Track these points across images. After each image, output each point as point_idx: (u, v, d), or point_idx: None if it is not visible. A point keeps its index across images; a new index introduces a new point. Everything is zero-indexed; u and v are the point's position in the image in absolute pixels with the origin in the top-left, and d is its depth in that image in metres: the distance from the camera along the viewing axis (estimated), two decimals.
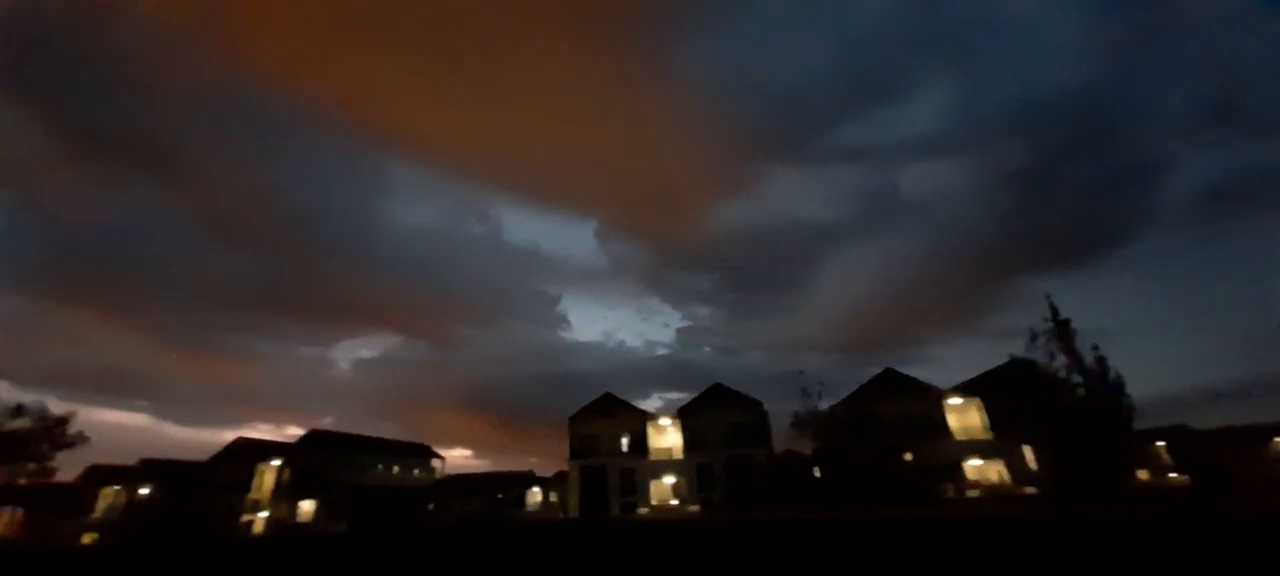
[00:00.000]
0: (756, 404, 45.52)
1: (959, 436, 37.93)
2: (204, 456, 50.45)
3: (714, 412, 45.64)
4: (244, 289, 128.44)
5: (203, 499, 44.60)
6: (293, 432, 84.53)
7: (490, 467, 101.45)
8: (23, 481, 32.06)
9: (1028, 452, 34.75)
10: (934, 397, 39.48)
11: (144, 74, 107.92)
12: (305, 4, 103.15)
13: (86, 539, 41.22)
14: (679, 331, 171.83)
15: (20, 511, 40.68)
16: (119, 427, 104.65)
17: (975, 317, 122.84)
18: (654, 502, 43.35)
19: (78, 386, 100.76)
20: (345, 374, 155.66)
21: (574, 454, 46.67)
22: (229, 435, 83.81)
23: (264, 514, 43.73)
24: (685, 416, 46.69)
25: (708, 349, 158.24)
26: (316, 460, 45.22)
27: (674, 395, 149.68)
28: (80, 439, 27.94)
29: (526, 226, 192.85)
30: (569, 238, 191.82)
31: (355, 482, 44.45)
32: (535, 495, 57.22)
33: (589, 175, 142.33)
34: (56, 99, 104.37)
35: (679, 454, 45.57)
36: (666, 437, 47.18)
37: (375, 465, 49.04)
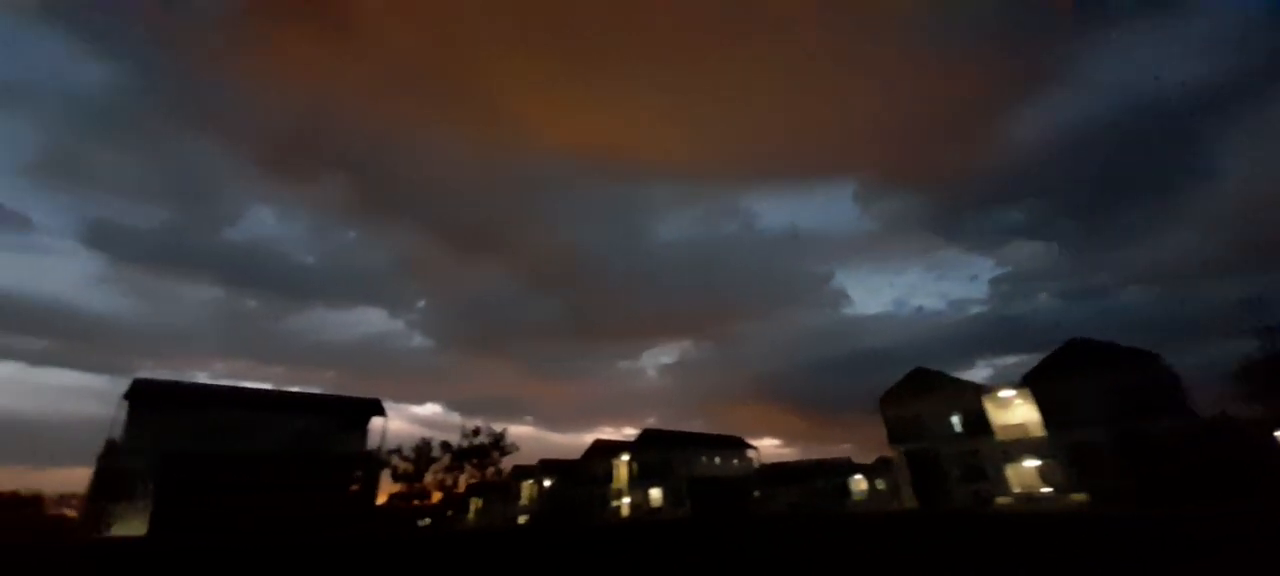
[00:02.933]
0: (1150, 357, 34.15)
1: None
2: (575, 455, 63.93)
3: (1080, 375, 35.97)
4: (569, 323, 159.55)
5: (582, 488, 56.46)
6: (629, 432, 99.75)
7: (799, 456, 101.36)
8: (479, 481, 46.36)
9: None
10: None
11: (478, 178, 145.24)
12: (559, 83, 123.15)
13: (521, 520, 56.83)
14: (993, 282, 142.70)
15: (480, 501, 58.64)
16: (518, 437, 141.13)
17: None
18: (1016, 491, 36.40)
19: (489, 410, 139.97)
20: (654, 379, 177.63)
21: (894, 438, 42.78)
22: (587, 437, 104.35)
23: (626, 499, 52.71)
24: (1036, 384, 38.03)
25: (1044, 296, 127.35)
26: (655, 455, 52.33)
27: (1009, 360, 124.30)
28: (513, 447, 38.62)
29: (778, 210, 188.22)
30: (825, 209, 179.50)
31: (688, 474, 49.85)
32: (859, 483, 54.49)
33: (832, 135, 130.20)
34: (436, 214, 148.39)
35: (1037, 431, 37.32)
36: (1014, 412, 39.23)
37: (700, 457, 54.08)
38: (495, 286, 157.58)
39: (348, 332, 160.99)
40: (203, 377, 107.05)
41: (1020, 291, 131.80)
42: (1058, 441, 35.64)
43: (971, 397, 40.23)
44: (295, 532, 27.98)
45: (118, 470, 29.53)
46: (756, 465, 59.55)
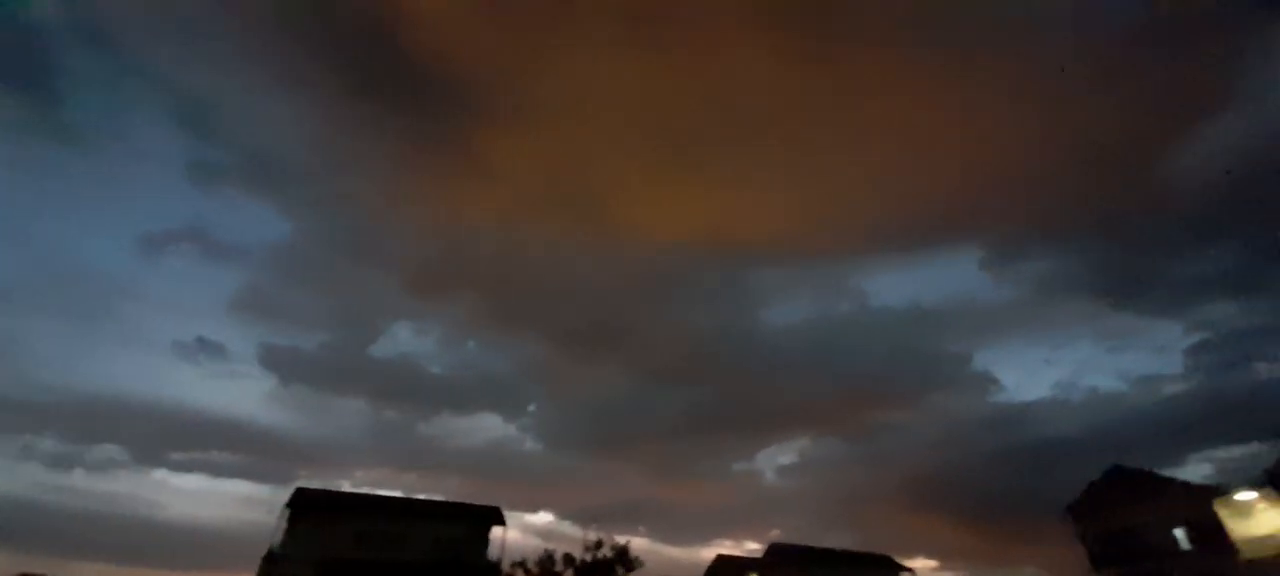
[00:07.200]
0: None
1: None
2: (692, 571, 58.82)
3: None
4: (681, 423, 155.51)
5: None
6: (751, 547, 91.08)
7: None
8: None
9: None
10: None
11: (591, 283, 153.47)
12: (663, 180, 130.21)
13: None
14: (1188, 353, 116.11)
15: None
16: (635, 549, 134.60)
17: None
18: None
19: (600, 519, 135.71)
20: (773, 483, 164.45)
21: (1099, 560, 34.71)
22: (704, 552, 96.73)
23: None
24: None
25: (1262, 365, 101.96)
26: (788, 574, 46.74)
27: (1233, 451, 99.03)
28: (638, 563, 36.14)
29: (894, 286, 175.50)
30: (949, 280, 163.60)
31: None
32: None
33: (946, 194, 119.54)
34: (551, 319, 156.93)
35: None
36: (1259, 521, 30.60)
37: None
38: (604, 387, 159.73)
39: (468, 439, 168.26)
40: (347, 485, 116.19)
41: (1229, 361, 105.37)
42: None
43: (1197, 503, 32.05)
44: None
45: None
46: None
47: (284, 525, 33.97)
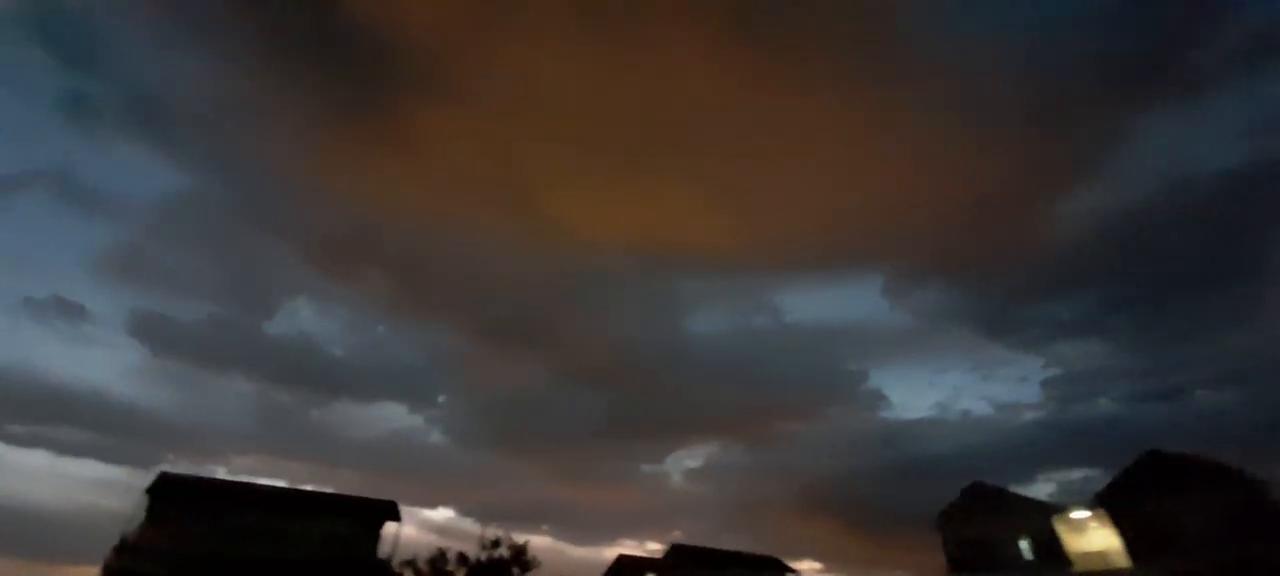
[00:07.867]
0: (1239, 471, 30.85)
1: None
2: (594, 571, 59.13)
3: (1165, 494, 32.46)
4: (596, 424, 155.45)
5: None
6: (653, 547, 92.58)
7: None
8: None
9: None
10: None
11: (516, 276, 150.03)
12: (600, 181, 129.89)
13: None
14: (1045, 385, 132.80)
15: None
16: (536, 550, 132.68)
17: None
18: None
19: (504, 517, 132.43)
20: (680, 486, 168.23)
21: (955, 565, 38.51)
22: (608, 552, 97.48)
23: None
24: (1112, 504, 34.43)
25: (1104, 400, 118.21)
26: (685, 574, 48.09)
27: (1073, 474, 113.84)
28: (535, 563, 35.49)
29: (806, 304, 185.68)
30: (854, 302, 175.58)
31: None
32: None
33: (856, 222, 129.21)
34: (470, 309, 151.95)
35: (1120, 559, 33.28)
36: (1091, 537, 35.20)
37: None
38: (519, 383, 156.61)
39: (369, 429, 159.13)
40: (223, 472, 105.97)
41: (1078, 395, 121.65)
42: (1147, 573, 31.55)
43: (1040, 519, 36.41)
44: None
45: (130, 571, 28.21)
46: None
47: (142, 513, 30.60)
